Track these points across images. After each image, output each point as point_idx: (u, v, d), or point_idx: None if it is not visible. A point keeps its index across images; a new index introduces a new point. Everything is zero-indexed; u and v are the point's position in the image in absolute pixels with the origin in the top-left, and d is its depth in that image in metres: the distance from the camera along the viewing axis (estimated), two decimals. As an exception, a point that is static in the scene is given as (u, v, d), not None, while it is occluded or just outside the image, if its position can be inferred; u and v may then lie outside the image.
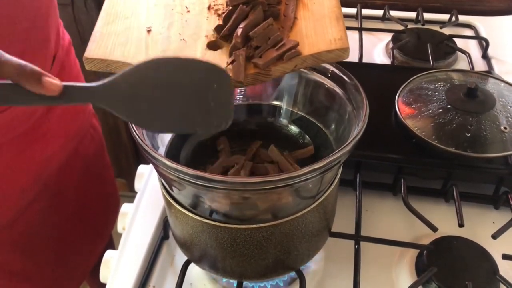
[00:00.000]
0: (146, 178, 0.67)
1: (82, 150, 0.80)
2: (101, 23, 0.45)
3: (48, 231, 0.77)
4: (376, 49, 0.93)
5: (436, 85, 0.70)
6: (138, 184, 0.67)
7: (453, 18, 0.97)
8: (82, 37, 1.15)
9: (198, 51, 0.42)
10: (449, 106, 0.65)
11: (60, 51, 0.71)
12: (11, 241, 0.71)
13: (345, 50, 0.41)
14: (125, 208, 0.63)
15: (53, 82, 0.35)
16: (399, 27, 0.95)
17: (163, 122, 0.38)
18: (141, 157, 1.46)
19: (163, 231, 0.61)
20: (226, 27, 0.43)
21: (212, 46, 0.43)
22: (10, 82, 0.35)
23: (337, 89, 0.51)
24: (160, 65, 0.37)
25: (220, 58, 0.42)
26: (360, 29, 0.94)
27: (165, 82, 0.37)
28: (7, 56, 0.35)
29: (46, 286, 0.81)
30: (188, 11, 0.47)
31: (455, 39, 0.91)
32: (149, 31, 0.44)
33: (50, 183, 0.74)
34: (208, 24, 0.45)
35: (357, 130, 0.43)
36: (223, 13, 0.45)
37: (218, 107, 0.38)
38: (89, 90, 0.36)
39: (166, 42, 0.43)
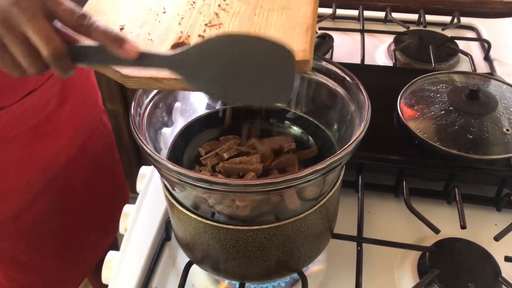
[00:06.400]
0: (148, 179, 0.67)
1: (91, 145, 0.81)
2: None
3: (54, 224, 0.77)
4: (378, 51, 0.94)
5: (438, 87, 0.70)
6: (140, 185, 0.67)
7: (455, 20, 0.97)
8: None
9: (162, 51, 0.43)
10: (451, 108, 0.65)
11: None
12: (16, 232, 0.72)
13: (306, 62, 0.41)
14: (127, 209, 0.63)
15: (133, 47, 0.39)
16: (401, 29, 0.95)
17: (227, 93, 0.40)
18: (143, 158, 1.46)
19: (165, 232, 0.61)
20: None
21: (177, 47, 0.43)
22: (96, 44, 0.40)
23: (339, 90, 0.51)
24: (230, 40, 0.39)
25: None
26: (362, 31, 0.94)
27: (233, 56, 0.39)
28: (98, 22, 0.39)
29: (51, 278, 0.82)
30: (164, 12, 0.47)
31: (457, 41, 0.91)
32: (121, 28, 0.45)
33: (57, 177, 0.74)
34: (179, 27, 0.45)
35: (359, 130, 0.43)
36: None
37: (280, 82, 0.39)
38: (162, 58, 0.40)
39: (134, 40, 0.43)
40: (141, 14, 0.47)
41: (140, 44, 0.43)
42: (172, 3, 0.48)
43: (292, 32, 0.43)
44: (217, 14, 0.46)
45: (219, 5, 0.47)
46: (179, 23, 0.46)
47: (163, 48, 0.43)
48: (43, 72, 0.40)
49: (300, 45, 0.42)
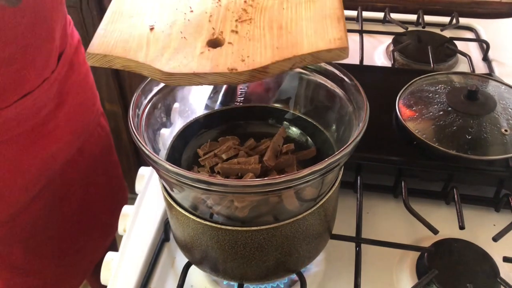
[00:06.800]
0: (147, 180, 0.67)
1: (88, 148, 0.81)
2: (106, 21, 0.46)
3: (51, 227, 0.77)
4: (377, 52, 0.94)
5: (437, 88, 0.70)
6: (138, 186, 0.67)
7: (454, 21, 0.97)
8: (89, 38, 1.16)
9: (198, 48, 0.43)
10: (449, 109, 0.65)
11: (68, 49, 0.71)
12: (13, 235, 0.72)
13: (344, 49, 0.41)
14: (126, 210, 0.63)
15: None
16: (400, 30, 0.95)
17: None
18: (142, 159, 1.46)
19: (164, 233, 0.61)
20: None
21: (212, 43, 0.44)
22: None
23: (338, 90, 0.51)
24: None
25: (219, 55, 0.42)
26: (361, 32, 0.94)
27: None
28: None
29: (48, 281, 0.82)
30: (192, 11, 0.48)
31: (456, 42, 0.91)
32: (151, 28, 0.45)
33: (54, 180, 0.74)
34: (210, 24, 0.46)
35: (357, 130, 0.43)
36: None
37: None
38: None
39: (167, 39, 0.44)
40: (168, 14, 0.48)
41: (174, 42, 0.44)
42: (198, 1, 0.49)
43: (325, 22, 0.44)
44: (245, 10, 0.47)
45: (245, 1, 0.48)
46: (209, 20, 0.46)
47: (199, 44, 0.44)
48: None
49: (336, 34, 0.42)
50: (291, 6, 0.46)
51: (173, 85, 0.43)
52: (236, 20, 0.46)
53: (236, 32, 0.44)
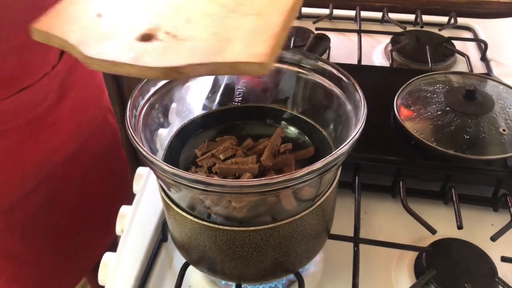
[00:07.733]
0: (145, 180, 0.67)
1: (92, 144, 0.80)
2: (65, 2, 0.47)
3: (50, 220, 0.77)
4: (375, 51, 0.94)
5: (435, 87, 0.70)
6: (136, 186, 0.67)
7: (452, 21, 0.97)
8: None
9: (129, 39, 0.43)
10: (448, 108, 0.65)
11: None
12: (9, 226, 0.71)
13: (264, 65, 0.41)
14: (124, 210, 0.63)
15: None
16: (398, 30, 0.95)
17: None
18: (139, 159, 1.46)
19: (162, 233, 0.61)
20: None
21: (144, 37, 0.44)
22: None
23: (336, 90, 0.51)
24: None
25: (144, 50, 0.42)
26: (359, 31, 0.94)
27: None
28: None
29: (45, 273, 0.81)
30: (142, 5, 0.48)
31: (454, 42, 0.91)
32: (99, 15, 0.46)
33: (54, 173, 0.74)
34: (153, 19, 0.46)
35: (355, 129, 0.43)
36: None
37: None
38: None
39: (106, 27, 0.44)
40: (121, 4, 0.48)
41: (112, 30, 0.44)
42: None
43: (260, 37, 0.44)
44: (191, 13, 0.47)
45: (196, 6, 0.48)
46: (155, 16, 0.46)
47: (131, 36, 0.44)
48: None
49: (262, 49, 0.42)
50: (237, 17, 0.46)
51: (95, 69, 0.44)
52: (179, 20, 0.46)
53: (171, 31, 0.44)
